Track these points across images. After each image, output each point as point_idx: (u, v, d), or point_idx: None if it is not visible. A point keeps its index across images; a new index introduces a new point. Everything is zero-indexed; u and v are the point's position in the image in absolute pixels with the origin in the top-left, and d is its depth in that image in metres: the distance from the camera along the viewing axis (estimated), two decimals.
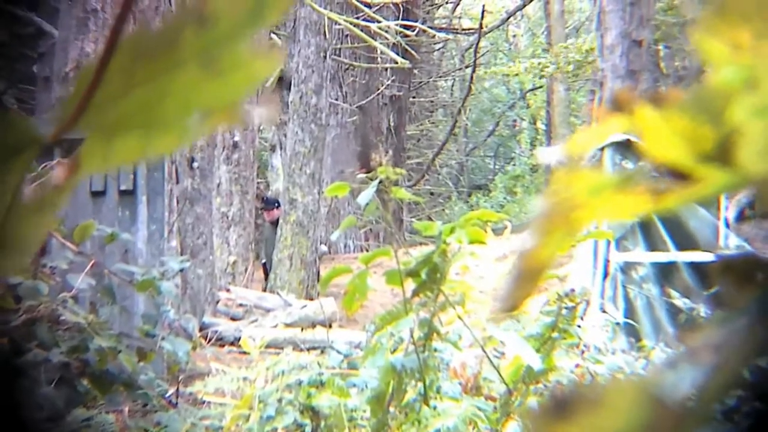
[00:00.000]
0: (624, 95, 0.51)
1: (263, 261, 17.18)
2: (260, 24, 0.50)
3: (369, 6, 18.94)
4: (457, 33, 34.58)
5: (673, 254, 9.04)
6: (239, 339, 6.37)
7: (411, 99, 29.97)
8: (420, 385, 3.12)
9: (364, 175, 3.00)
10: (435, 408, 3.11)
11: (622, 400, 0.43)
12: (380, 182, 2.93)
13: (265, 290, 15.47)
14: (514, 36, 44.41)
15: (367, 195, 2.93)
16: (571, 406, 0.44)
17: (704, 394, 0.44)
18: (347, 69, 24.12)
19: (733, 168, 0.49)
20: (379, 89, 24.79)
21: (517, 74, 28.68)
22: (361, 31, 17.38)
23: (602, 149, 8.85)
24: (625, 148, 8.73)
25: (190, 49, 0.49)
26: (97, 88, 0.49)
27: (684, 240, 9.02)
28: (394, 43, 21.20)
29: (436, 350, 3.21)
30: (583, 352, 4.74)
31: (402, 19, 21.63)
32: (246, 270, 17.61)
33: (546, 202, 0.53)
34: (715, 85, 0.48)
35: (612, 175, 0.52)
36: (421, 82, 33.36)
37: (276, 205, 16.66)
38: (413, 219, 27.91)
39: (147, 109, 0.50)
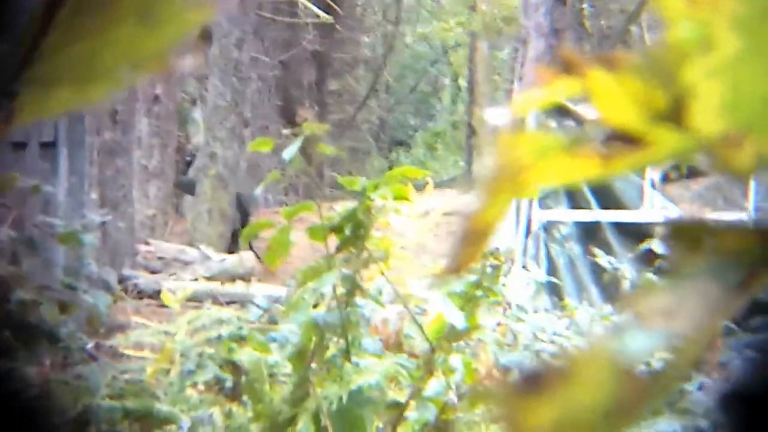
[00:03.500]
0: (573, 56, 0.50)
1: None
2: None
3: None
4: None
5: (596, 214, 9.13)
6: (159, 292, 6.34)
7: (333, 54, 29.89)
8: (342, 341, 3.12)
9: (289, 131, 2.99)
10: (357, 365, 3.11)
11: (591, 372, 0.43)
12: (306, 138, 2.92)
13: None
14: None
15: (291, 150, 2.92)
16: (541, 381, 0.44)
17: (671, 364, 0.43)
18: (269, 23, 23.96)
19: (686, 130, 0.48)
20: (301, 44, 24.69)
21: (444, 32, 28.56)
22: None
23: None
24: (559, 113, 8.70)
25: (129, 2, 0.49)
26: (41, 42, 0.48)
27: (608, 200, 9.10)
28: None
29: (358, 306, 3.22)
30: (505, 310, 4.76)
31: None
32: (166, 224, 17.50)
33: (492, 164, 0.52)
34: (669, 44, 0.48)
35: (561, 137, 0.51)
36: (343, 38, 33.28)
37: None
38: (334, 174, 27.90)
39: (86, 62, 0.50)
